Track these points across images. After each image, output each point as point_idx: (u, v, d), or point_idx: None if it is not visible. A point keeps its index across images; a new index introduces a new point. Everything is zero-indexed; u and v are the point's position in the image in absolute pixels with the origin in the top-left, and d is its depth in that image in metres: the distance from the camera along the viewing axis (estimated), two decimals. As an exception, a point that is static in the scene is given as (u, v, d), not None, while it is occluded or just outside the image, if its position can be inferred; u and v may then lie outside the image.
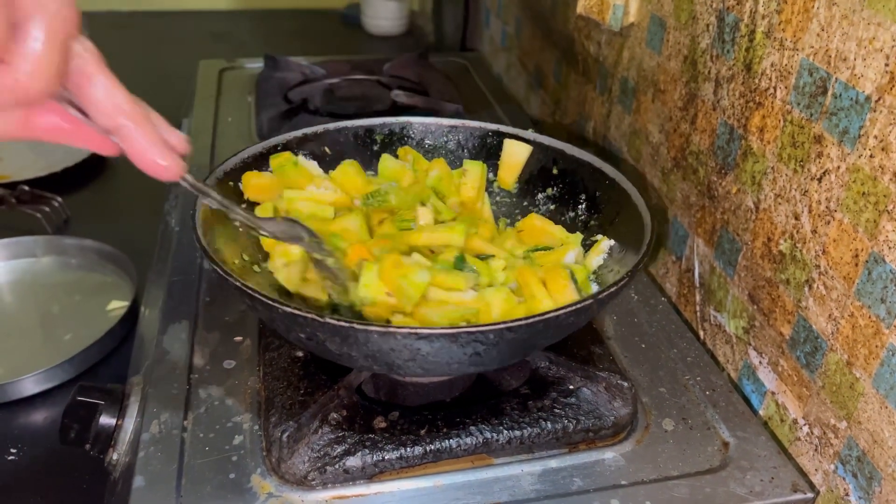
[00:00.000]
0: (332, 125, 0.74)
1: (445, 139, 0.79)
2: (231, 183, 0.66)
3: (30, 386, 0.82)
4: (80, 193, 1.21)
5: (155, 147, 0.43)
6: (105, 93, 0.40)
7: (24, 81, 0.36)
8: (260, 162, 0.69)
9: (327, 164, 0.74)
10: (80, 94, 0.40)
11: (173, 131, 0.45)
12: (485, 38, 1.50)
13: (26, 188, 1.13)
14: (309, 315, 0.48)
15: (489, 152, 0.78)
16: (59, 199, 1.12)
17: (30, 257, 1.02)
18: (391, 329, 0.47)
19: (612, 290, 0.53)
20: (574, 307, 0.51)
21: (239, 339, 0.69)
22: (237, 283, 0.50)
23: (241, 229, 0.61)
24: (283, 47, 1.63)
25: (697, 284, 0.77)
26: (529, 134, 0.76)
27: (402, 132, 0.79)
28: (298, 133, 0.72)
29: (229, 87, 1.23)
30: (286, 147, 0.72)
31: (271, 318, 0.52)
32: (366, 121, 0.77)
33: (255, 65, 1.29)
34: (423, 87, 1.19)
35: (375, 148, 0.78)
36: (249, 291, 0.49)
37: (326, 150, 0.74)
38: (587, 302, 0.51)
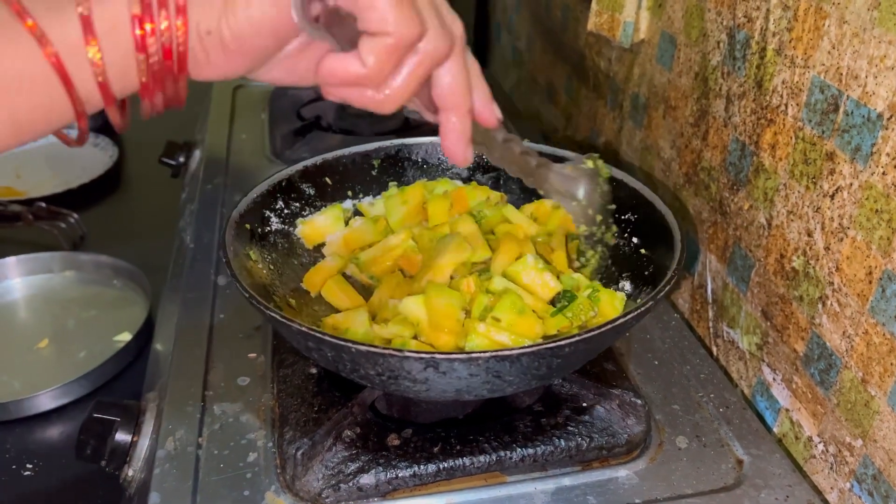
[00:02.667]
0: (329, 155, 0.75)
1: (443, 157, 0.80)
2: (247, 226, 0.66)
3: (46, 401, 0.82)
4: (96, 210, 1.23)
5: (459, 143, 0.46)
6: (451, 78, 0.44)
7: (377, 101, 0.41)
8: (269, 200, 0.70)
9: (329, 195, 0.75)
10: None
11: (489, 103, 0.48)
12: (495, 54, 1.51)
13: (43, 205, 1.15)
14: (388, 351, 0.49)
15: (486, 168, 0.79)
16: (76, 215, 1.14)
17: (46, 273, 1.03)
18: (474, 355, 0.48)
19: (671, 281, 0.56)
20: (637, 311, 0.53)
21: (253, 355, 0.69)
22: (302, 328, 0.50)
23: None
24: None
25: (710, 300, 0.77)
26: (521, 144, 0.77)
27: (397, 154, 0.79)
28: (299, 166, 0.73)
29: (243, 104, 1.25)
30: (289, 182, 0.72)
31: (338, 357, 0.52)
32: (362, 147, 0.77)
33: (269, 82, 1.30)
34: (435, 103, 1.20)
35: (374, 173, 0.78)
36: (317, 334, 0.50)
37: (327, 180, 0.75)
38: (648, 304, 0.54)
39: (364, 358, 0.49)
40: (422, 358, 0.48)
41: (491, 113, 0.48)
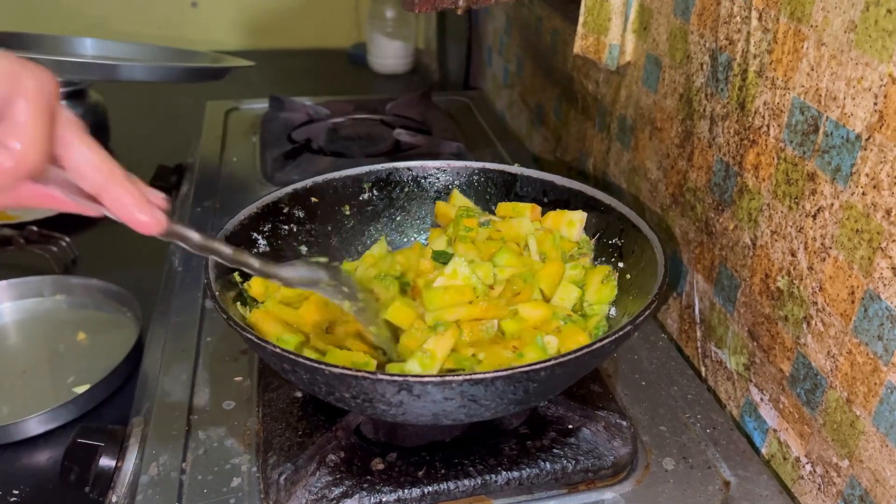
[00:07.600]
0: (320, 178, 0.76)
1: (434, 180, 0.80)
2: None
3: (34, 426, 0.82)
4: (88, 233, 1.23)
5: (138, 204, 0.45)
6: (86, 158, 0.43)
7: (18, 159, 0.39)
8: (257, 222, 0.70)
9: (319, 217, 0.75)
10: (64, 161, 0.43)
11: (152, 191, 0.47)
12: (487, 77, 1.52)
13: (35, 228, 1.15)
14: (360, 373, 0.48)
15: (477, 190, 0.79)
16: (67, 238, 1.14)
17: (37, 297, 1.03)
18: (447, 378, 0.48)
19: (652, 306, 0.56)
20: (616, 335, 0.53)
21: (239, 379, 0.69)
22: (276, 350, 0.50)
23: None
24: (290, 86, 1.66)
25: (698, 321, 0.77)
26: (515, 168, 0.78)
27: (388, 178, 0.80)
28: (289, 189, 0.74)
29: (235, 127, 1.25)
30: (277, 204, 0.72)
31: (313, 379, 0.51)
32: (353, 171, 0.78)
33: (261, 105, 1.31)
34: (426, 125, 1.20)
35: (364, 196, 0.79)
36: (291, 356, 0.50)
37: (314, 199, 0.75)
38: (626, 328, 0.53)
39: (338, 380, 0.49)
40: (395, 381, 0.48)
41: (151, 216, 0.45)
